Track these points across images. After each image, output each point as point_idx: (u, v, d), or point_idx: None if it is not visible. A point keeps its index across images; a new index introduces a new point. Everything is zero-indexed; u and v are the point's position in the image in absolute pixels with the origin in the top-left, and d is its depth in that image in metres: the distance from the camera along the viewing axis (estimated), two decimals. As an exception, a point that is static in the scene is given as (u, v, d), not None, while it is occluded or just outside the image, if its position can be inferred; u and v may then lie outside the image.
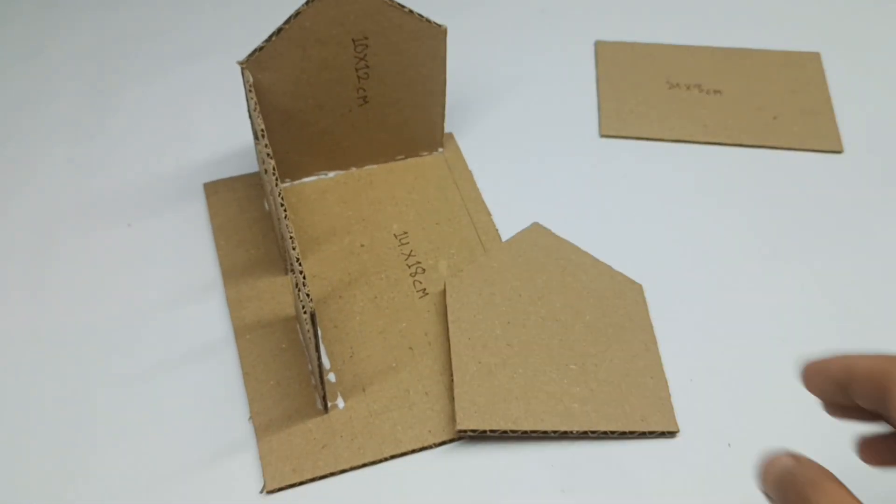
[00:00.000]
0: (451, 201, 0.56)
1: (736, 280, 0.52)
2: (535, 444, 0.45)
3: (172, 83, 0.64)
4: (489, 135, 0.61)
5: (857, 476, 0.44)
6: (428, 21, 0.51)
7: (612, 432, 0.45)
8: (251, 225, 0.54)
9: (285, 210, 0.43)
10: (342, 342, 0.48)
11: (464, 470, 0.44)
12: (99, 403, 0.46)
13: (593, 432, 0.44)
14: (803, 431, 0.45)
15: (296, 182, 0.57)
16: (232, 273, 0.52)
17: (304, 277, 0.40)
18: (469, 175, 0.58)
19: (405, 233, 0.54)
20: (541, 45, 0.68)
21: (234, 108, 0.62)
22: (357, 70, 0.52)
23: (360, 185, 0.57)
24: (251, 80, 0.49)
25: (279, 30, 0.48)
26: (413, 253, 0.53)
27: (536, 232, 0.54)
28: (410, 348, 0.48)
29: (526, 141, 0.61)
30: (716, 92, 0.64)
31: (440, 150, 0.59)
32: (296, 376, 0.47)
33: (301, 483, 0.43)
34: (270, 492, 0.43)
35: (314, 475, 0.43)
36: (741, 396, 0.47)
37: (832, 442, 0.45)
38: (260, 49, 0.48)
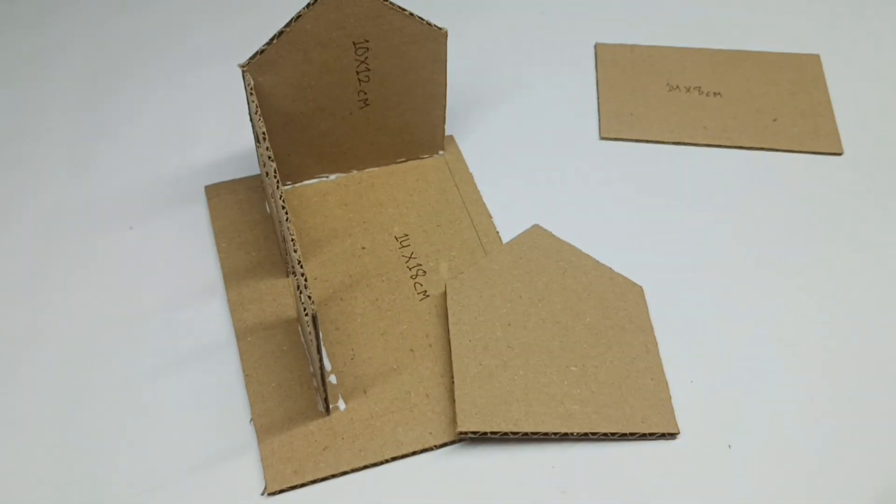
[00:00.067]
0: (451, 203, 0.56)
1: (736, 282, 0.52)
2: (536, 446, 0.45)
3: (174, 86, 0.65)
4: (490, 137, 0.61)
5: (857, 476, 0.44)
6: (428, 24, 0.51)
7: (613, 434, 0.45)
8: (252, 227, 0.54)
9: (287, 212, 0.43)
10: (343, 344, 0.49)
11: (465, 471, 0.44)
12: (101, 406, 0.46)
13: (594, 434, 0.44)
14: (803, 433, 0.45)
15: (297, 184, 0.57)
16: (233, 275, 0.52)
17: (305, 280, 0.40)
18: (470, 177, 0.58)
19: (406, 235, 0.54)
20: (541, 48, 0.68)
21: (235, 111, 0.62)
22: (358, 73, 0.52)
23: (361, 188, 0.57)
24: (252, 83, 0.49)
25: (280, 33, 0.48)
26: (414, 255, 0.53)
27: (537, 234, 0.54)
28: (411, 350, 0.48)
29: (526, 143, 0.61)
30: (716, 94, 0.64)
31: (441, 152, 0.59)
32: (297, 378, 0.47)
33: (302, 485, 0.43)
34: (272, 494, 0.43)
35: (315, 477, 0.43)
36: (741, 398, 0.47)
37: (832, 442, 0.45)
38: (261, 52, 0.48)
